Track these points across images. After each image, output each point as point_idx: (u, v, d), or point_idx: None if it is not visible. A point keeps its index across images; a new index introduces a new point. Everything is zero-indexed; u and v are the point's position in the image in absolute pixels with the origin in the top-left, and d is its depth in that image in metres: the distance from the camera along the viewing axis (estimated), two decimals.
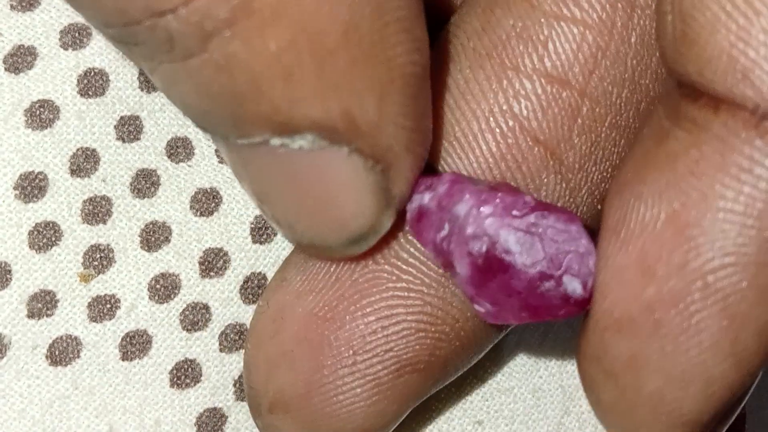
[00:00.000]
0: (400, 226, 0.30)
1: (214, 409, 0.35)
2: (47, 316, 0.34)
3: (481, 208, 0.28)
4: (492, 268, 0.28)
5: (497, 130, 0.30)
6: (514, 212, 0.28)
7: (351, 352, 0.30)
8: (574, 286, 0.27)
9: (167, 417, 0.35)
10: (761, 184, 0.24)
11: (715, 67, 0.25)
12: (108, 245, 0.35)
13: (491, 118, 0.30)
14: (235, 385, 0.36)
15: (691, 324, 0.25)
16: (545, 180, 0.30)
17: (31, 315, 0.34)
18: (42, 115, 0.35)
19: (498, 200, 0.28)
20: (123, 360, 0.35)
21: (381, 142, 0.27)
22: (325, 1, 0.25)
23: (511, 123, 0.30)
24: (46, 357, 0.34)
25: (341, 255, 0.30)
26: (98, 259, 0.35)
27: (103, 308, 0.35)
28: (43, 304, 0.34)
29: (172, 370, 0.35)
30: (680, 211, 0.25)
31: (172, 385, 0.35)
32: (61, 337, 0.34)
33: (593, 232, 0.28)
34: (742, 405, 0.28)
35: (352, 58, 0.25)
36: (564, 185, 0.30)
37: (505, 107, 0.30)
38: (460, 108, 0.30)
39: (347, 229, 0.29)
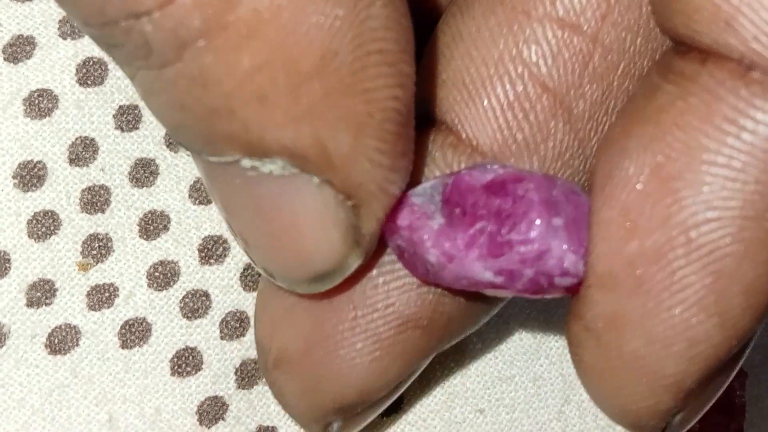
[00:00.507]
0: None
1: (216, 397, 0.35)
2: (46, 305, 0.34)
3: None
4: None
5: (506, 76, 0.29)
6: None
7: (351, 306, 0.29)
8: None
9: (168, 405, 0.35)
10: (745, 135, 0.24)
11: (699, 17, 0.24)
12: (107, 234, 0.35)
13: (500, 65, 0.29)
14: (236, 373, 0.36)
15: (674, 281, 0.25)
16: (553, 130, 0.29)
17: (30, 304, 0.34)
18: (41, 104, 0.35)
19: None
20: (122, 348, 0.35)
21: (353, 178, 0.26)
22: (304, 22, 0.24)
23: (520, 69, 0.29)
24: (45, 346, 0.34)
25: (302, 291, 0.29)
26: (97, 248, 0.35)
27: (101, 297, 0.35)
28: (42, 293, 0.34)
29: (172, 358, 0.35)
30: (664, 163, 0.25)
31: (172, 374, 0.35)
32: (60, 326, 0.34)
33: None
34: (731, 375, 0.28)
35: (329, 85, 0.25)
36: (573, 135, 0.29)
37: (514, 53, 0.29)
38: (470, 55, 0.30)
39: (311, 265, 0.28)
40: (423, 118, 0.30)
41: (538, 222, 0.26)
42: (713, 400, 0.28)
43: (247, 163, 0.26)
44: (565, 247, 0.26)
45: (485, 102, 0.29)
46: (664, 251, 0.25)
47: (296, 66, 0.24)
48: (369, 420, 0.32)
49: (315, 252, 0.27)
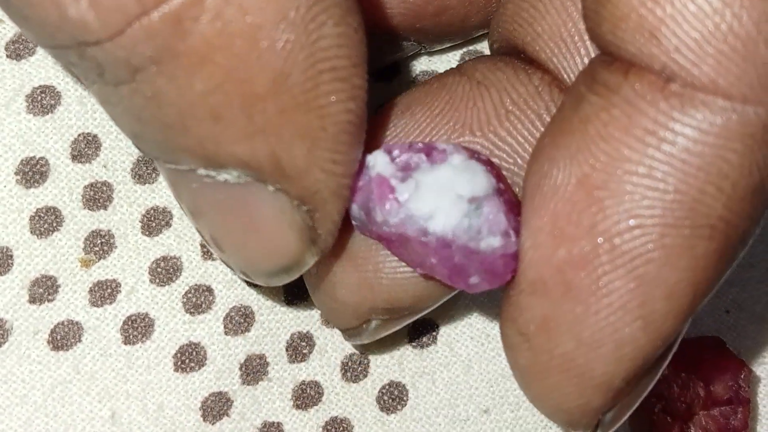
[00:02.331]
0: None
1: (220, 393, 0.35)
2: (48, 301, 0.34)
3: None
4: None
5: None
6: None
7: None
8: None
9: (171, 401, 0.35)
10: (665, 147, 0.25)
11: (625, 25, 0.25)
12: (109, 231, 0.35)
13: None
14: (241, 368, 0.36)
15: (600, 286, 0.26)
16: None
17: (33, 300, 0.34)
18: (43, 100, 0.35)
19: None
20: (125, 344, 0.35)
21: (308, 187, 0.27)
22: (255, 48, 0.24)
23: None
24: (48, 342, 0.34)
25: (262, 283, 0.30)
26: (99, 244, 0.35)
27: (104, 293, 0.35)
28: (44, 289, 0.34)
29: (175, 353, 0.35)
30: (590, 173, 0.25)
31: (176, 369, 0.35)
32: (63, 322, 0.34)
33: None
34: (658, 375, 0.28)
35: (282, 105, 0.25)
36: None
37: None
38: (567, 10, 0.30)
39: (270, 262, 0.29)
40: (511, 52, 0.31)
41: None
42: (642, 398, 0.29)
43: (202, 171, 0.26)
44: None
45: (584, 56, 0.30)
46: (590, 258, 0.26)
47: (249, 88, 0.25)
48: (403, 325, 0.32)
49: (274, 250, 0.28)
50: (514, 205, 0.27)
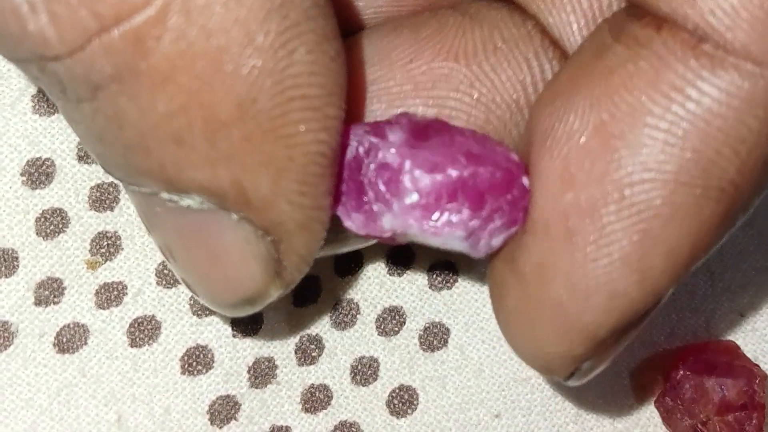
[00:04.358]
0: None
1: (228, 396, 0.35)
2: (54, 303, 0.34)
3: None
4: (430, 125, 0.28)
5: None
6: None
7: None
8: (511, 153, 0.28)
9: (178, 405, 0.35)
10: (689, 105, 0.25)
11: None
12: (115, 232, 0.35)
13: None
14: (249, 371, 0.35)
15: (602, 235, 0.26)
16: None
17: (38, 302, 0.34)
18: (49, 101, 0.35)
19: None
20: (131, 347, 0.35)
21: (273, 218, 0.26)
22: (219, 71, 0.24)
23: None
24: (54, 345, 0.34)
25: (226, 314, 0.30)
26: (105, 245, 0.35)
27: (110, 295, 0.35)
28: (50, 291, 0.34)
29: (182, 356, 0.35)
30: (608, 122, 0.26)
31: (183, 372, 0.35)
32: (69, 325, 0.34)
33: None
34: (639, 329, 0.29)
35: (247, 132, 0.25)
36: None
37: None
38: None
39: (232, 292, 0.29)
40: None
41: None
42: (619, 352, 0.29)
43: (165, 196, 0.26)
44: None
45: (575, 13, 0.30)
46: (597, 206, 0.26)
47: (213, 112, 0.24)
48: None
49: (236, 280, 0.28)
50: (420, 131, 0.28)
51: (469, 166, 0.27)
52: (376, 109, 0.30)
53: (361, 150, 0.27)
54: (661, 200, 0.25)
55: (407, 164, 0.27)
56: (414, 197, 0.27)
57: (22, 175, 0.34)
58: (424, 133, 0.27)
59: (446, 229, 0.27)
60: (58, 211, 0.34)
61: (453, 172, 0.27)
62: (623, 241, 0.26)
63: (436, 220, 0.27)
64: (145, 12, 0.23)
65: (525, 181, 0.27)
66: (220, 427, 0.35)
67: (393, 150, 0.27)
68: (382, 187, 0.27)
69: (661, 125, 0.25)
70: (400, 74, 0.30)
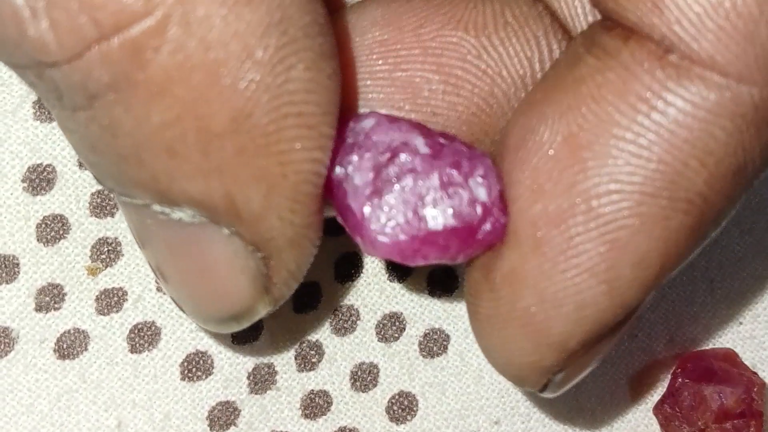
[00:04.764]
0: None
1: (227, 402, 0.35)
2: (55, 309, 0.34)
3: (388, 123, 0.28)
4: (395, 170, 0.27)
5: None
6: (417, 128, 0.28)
7: None
8: (479, 191, 0.27)
9: (178, 411, 0.35)
10: (655, 115, 0.25)
11: None
12: (116, 238, 0.35)
13: None
14: (249, 377, 0.35)
15: (571, 245, 0.26)
16: None
17: (39, 308, 0.34)
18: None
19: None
20: (132, 352, 0.35)
21: (263, 233, 0.26)
22: (215, 84, 0.24)
23: None
24: (54, 350, 0.34)
25: (212, 329, 0.30)
26: (106, 252, 0.35)
27: (110, 301, 0.35)
28: (50, 297, 0.34)
29: (182, 362, 0.35)
30: (577, 133, 0.26)
31: (182, 378, 0.35)
32: (69, 331, 0.34)
33: None
34: (613, 342, 0.29)
35: (240, 145, 0.25)
36: None
37: None
38: None
39: (220, 307, 0.29)
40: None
41: None
42: (594, 365, 0.29)
43: (157, 208, 0.26)
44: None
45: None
46: (566, 216, 0.26)
47: (207, 125, 0.24)
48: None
49: (224, 295, 0.28)
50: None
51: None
52: (380, 69, 0.30)
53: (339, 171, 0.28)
54: (629, 211, 0.25)
55: (370, 221, 0.27)
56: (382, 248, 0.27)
57: (23, 181, 0.34)
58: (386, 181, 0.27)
59: (421, 262, 0.28)
60: (58, 218, 0.34)
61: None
62: (591, 252, 0.26)
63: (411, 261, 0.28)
64: (144, 22, 0.23)
65: (495, 219, 0.27)
66: None
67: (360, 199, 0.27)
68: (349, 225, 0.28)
69: (627, 136, 0.25)
70: (409, 38, 0.30)
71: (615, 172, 0.25)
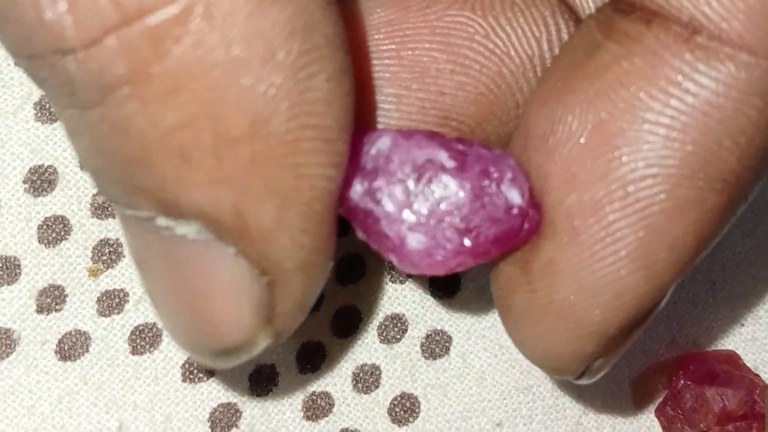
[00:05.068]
0: None
1: (228, 404, 0.35)
2: (56, 311, 0.34)
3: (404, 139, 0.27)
4: (427, 188, 0.27)
5: None
6: (436, 139, 0.27)
7: None
8: (512, 194, 0.27)
9: (179, 412, 0.35)
10: (688, 98, 0.25)
11: None
12: (117, 239, 0.35)
13: None
14: (250, 379, 0.35)
15: (608, 233, 0.26)
16: None
17: (41, 310, 0.34)
18: (51, 108, 0.35)
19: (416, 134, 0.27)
20: (133, 354, 0.35)
21: (271, 254, 0.25)
22: (235, 84, 0.23)
23: None
24: (56, 352, 0.34)
25: (205, 363, 0.29)
26: (107, 253, 0.35)
27: (112, 302, 0.34)
28: (52, 298, 0.34)
29: (183, 363, 0.35)
30: (607, 120, 0.26)
31: (184, 380, 0.35)
32: (71, 332, 0.34)
33: None
34: (647, 324, 0.29)
35: (255, 153, 0.24)
36: None
37: None
38: None
39: (216, 338, 0.27)
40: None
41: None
42: (628, 347, 0.29)
43: (162, 221, 0.25)
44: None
45: None
46: (602, 204, 0.26)
47: (223, 128, 0.24)
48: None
49: (223, 324, 0.27)
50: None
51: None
52: (386, 49, 0.29)
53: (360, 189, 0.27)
54: (665, 195, 0.25)
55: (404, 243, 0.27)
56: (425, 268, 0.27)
57: (24, 182, 0.34)
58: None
59: (461, 269, 0.28)
60: (60, 219, 0.34)
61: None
62: (629, 238, 0.26)
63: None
64: (167, 9, 0.22)
65: (530, 217, 0.27)
66: None
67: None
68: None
69: (661, 120, 0.25)
70: (416, 18, 0.30)
71: (650, 156, 0.25)
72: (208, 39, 0.23)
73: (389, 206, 0.27)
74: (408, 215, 0.27)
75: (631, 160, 0.25)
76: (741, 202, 0.27)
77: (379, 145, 0.27)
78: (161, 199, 0.25)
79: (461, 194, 0.27)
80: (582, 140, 0.26)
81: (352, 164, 0.27)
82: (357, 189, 0.27)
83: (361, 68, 0.29)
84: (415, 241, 0.27)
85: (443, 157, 0.27)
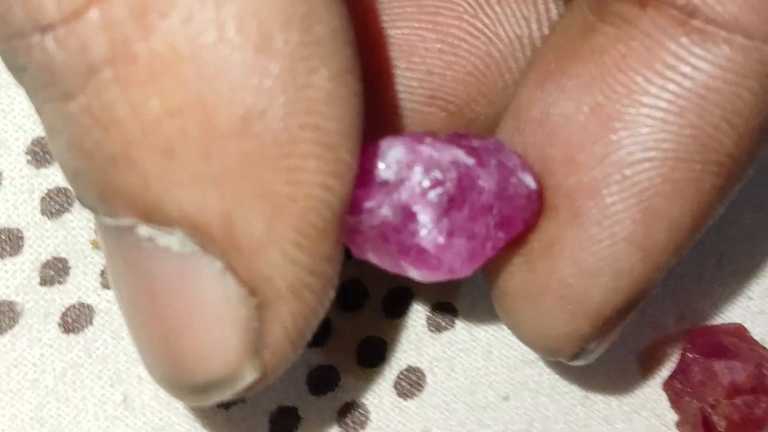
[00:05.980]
0: None
1: None
2: (59, 283, 0.34)
3: (417, 146, 0.26)
4: (460, 190, 0.26)
5: None
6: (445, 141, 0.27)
7: None
8: (528, 179, 0.27)
9: None
10: (685, 82, 0.25)
11: None
12: None
13: None
14: None
15: (607, 215, 0.26)
16: None
17: (44, 282, 0.34)
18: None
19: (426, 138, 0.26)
20: None
21: (261, 269, 0.23)
22: (228, 71, 0.22)
23: None
24: (59, 325, 0.34)
25: (181, 400, 0.28)
26: None
27: None
28: (55, 271, 0.34)
29: None
30: (604, 104, 0.26)
31: None
32: (74, 305, 0.34)
33: None
34: (640, 305, 0.29)
35: (247, 151, 0.22)
36: None
37: None
38: None
39: (196, 369, 0.25)
40: None
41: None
42: (621, 328, 0.30)
43: (143, 231, 0.23)
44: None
45: None
46: (600, 187, 0.26)
47: (212, 120, 0.22)
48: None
49: (204, 353, 0.24)
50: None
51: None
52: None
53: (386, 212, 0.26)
54: (662, 178, 0.26)
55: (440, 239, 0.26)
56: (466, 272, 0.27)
57: (27, 153, 0.34)
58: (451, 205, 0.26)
59: None
60: (63, 191, 0.34)
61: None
62: (627, 221, 0.26)
63: None
64: None
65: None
66: (227, 409, 0.35)
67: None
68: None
69: (658, 104, 0.25)
70: None
71: (647, 140, 0.25)
72: (198, 16, 0.21)
73: (423, 217, 0.26)
74: (444, 223, 0.26)
75: (629, 144, 0.26)
76: (737, 182, 0.27)
77: (393, 155, 0.26)
78: (143, 203, 0.23)
79: (492, 189, 0.27)
80: (580, 124, 0.26)
81: (364, 179, 0.25)
82: (379, 205, 0.26)
83: (373, 70, 0.28)
84: (456, 247, 0.26)
85: (462, 155, 0.26)
